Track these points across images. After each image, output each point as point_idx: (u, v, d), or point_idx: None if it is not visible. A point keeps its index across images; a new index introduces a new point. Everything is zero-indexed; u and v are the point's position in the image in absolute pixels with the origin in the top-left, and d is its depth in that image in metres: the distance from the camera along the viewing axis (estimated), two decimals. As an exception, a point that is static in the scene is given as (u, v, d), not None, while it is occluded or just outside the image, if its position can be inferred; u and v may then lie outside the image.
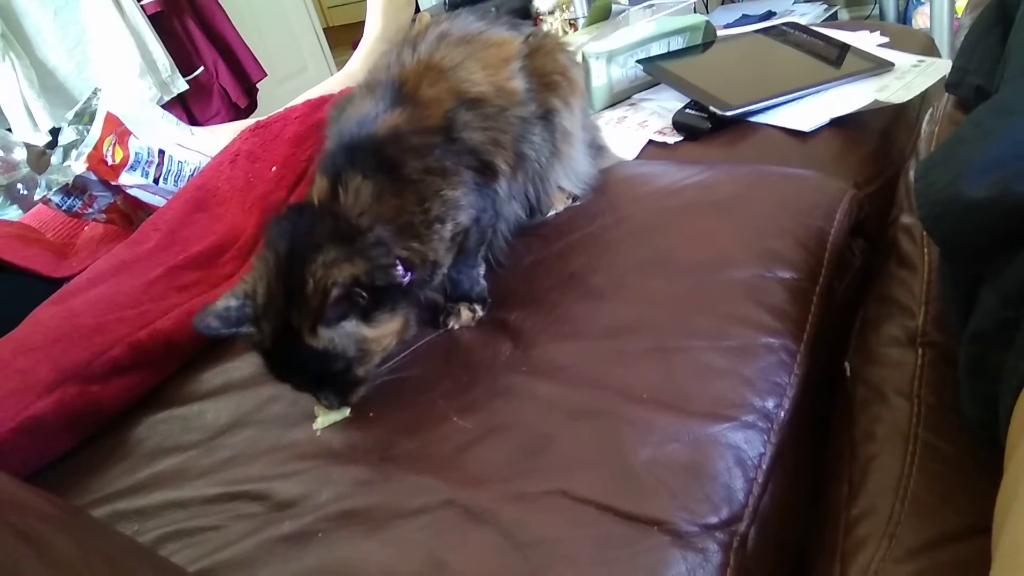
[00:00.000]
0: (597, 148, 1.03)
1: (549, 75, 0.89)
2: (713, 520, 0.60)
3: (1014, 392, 0.48)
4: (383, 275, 0.72)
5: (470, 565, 0.60)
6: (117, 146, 1.30)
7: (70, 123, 1.41)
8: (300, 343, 0.69)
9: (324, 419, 0.77)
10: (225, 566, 0.66)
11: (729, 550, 0.59)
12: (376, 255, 0.72)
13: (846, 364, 0.77)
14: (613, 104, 1.30)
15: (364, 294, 0.70)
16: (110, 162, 1.27)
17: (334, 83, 1.38)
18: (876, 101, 1.05)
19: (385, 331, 0.74)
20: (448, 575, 0.60)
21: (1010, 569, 0.35)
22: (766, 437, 0.66)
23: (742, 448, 0.64)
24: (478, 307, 0.84)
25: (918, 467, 0.62)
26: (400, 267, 0.74)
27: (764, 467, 0.65)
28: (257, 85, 2.90)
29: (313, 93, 1.34)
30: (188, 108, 2.77)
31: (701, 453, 0.64)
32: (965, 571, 0.52)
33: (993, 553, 0.42)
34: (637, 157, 1.13)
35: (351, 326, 0.71)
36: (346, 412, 0.77)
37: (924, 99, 1.11)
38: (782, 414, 0.68)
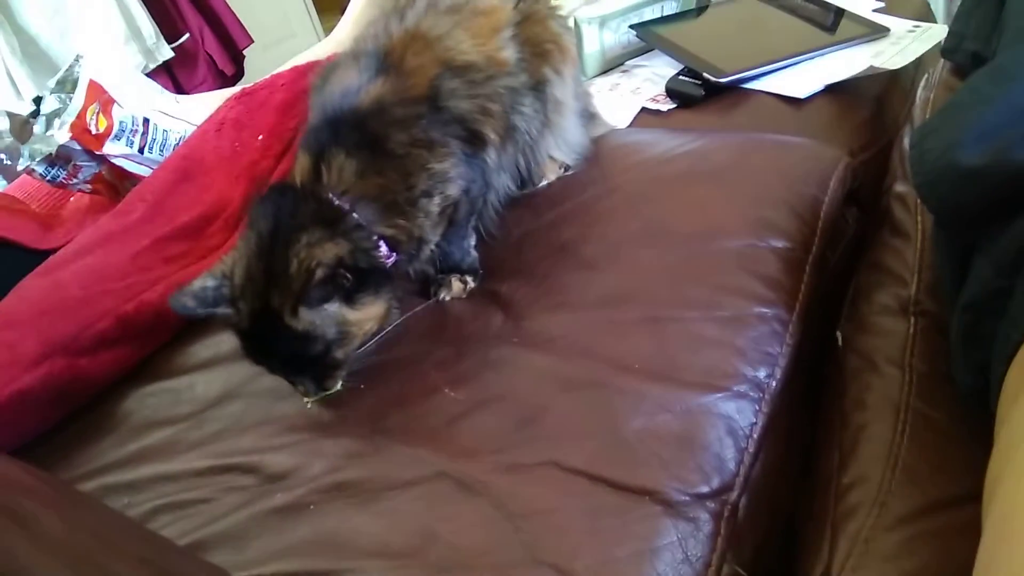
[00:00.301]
0: (589, 116, 1.01)
1: (541, 44, 0.87)
2: (704, 489, 0.61)
3: (1006, 361, 0.48)
4: (366, 257, 0.71)
5: (462, 536, 0.60)
6: (101, 115, 1.27)
7: (52, 91, 1.38)
8: (280, 324, 0.68)
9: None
10: (217, 539, 0.66)
11: (720, 519, 0.60)
12: (359, 237, 0.71)
13: (838, 333, 0.76)
14: (606, 71, 1.28)
15: (348, 276, 0.69)
16: (94, 131, 1.25)
17: (321, 50, 1.36)
18: (871, 67, 1.04)
19: (367, 314, 0.73)
20: (440, 546, 0.60)
21: (1001, 537, 0.35)
22: (758, 407, 0.66)
23: (733, 418, 0.65)
24: (469, 278, 0.84)
25: (909, 436, 0.62)
26: (384, 247, 0.73)
27: (755, 437, 0.65)
28: (244, 52, 2.85)
29: (300, 60, 1.32)
30: (174, 76, 2.72)
31: (693, 423, 0.64)
32: (955, 539, 0.53)
33: (984, 522, 0.42)
34: (630, 125, 1.11)
35: (333, 308, 0.70)
36: (337, 386, 0.76)
37: (919, 65, 1.10)
38: (774, 384, 0.68)
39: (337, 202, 0.71)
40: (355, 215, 0.71)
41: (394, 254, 0.75)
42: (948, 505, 0.56)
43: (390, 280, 0.74)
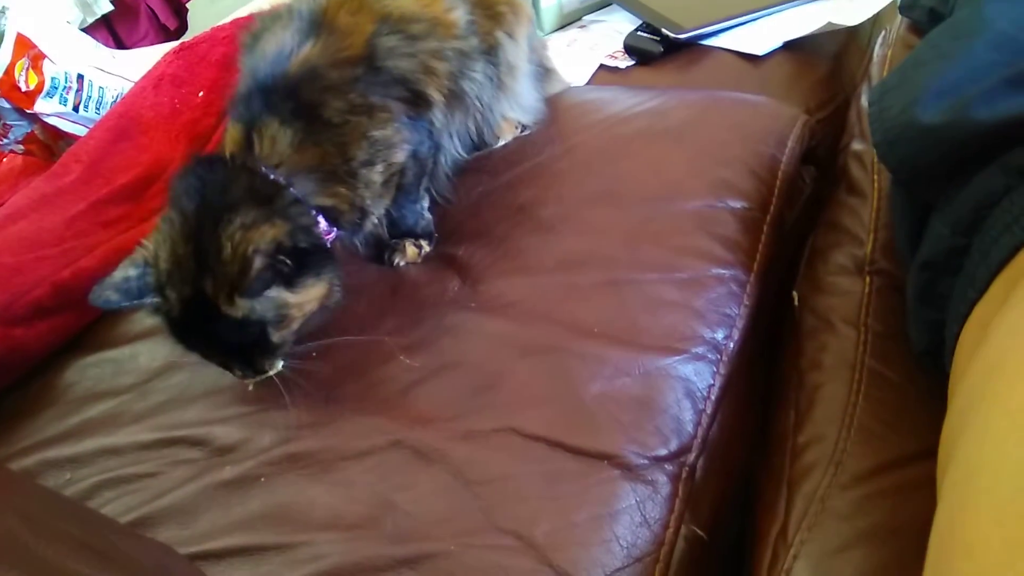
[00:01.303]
0: (545, 71, 0.98)
1: (493, 6, 0.83)
2: (663, 452, 0.60)
3: (961, 319, 0.48)
4: (306, 236, 0.67)
5: (420, 505, 0.59)
6: (31, 70, 1.20)
7: (-23, 45, 1.30)
8: (214, 312, 0.63)
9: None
10: (164, 514, 0.64)
11: (678, 481, 0.60)
12: (297, 213, 0.67)
13: (794, 293, 0.76)
14: (563, 26, 1.25)
15: (288, 261, 0.65)
16: (24, 88, 1.18)
17: (266, 1, 1.30)
18: (829, 23, 1.03)
19: (308, 296, 0.68)
20: (397, 516, 0.59)
21: (962, 500, 0.35)
22: (715, 368, 0.66)
23: (692, 380, 0.64)
24: (424, 242, 0.81)
25: (864, 395, 0.62)
26: (323, 222, 0.69)
27: (713, 398, 0.65)
28: (187, 5, 2.72)
29: (242, 12, 1.26)
30: (114, 30, 2.60)
31: (651, 386, 0.63)
32: (911, 495, 0.54)
33: (940, 483, 0.42)
34: (588, 82, 1.09)
35: (273, 293, 0.65)
36: (277, 367, 0.71)
37: (876, 22, 1.09)
38: (731, 345, 0.68)
39: (272, 176, 0.67)
40: (292, 190, 0.67)
41: (334, 228, 0.71)
42: (903, 463, 0.56)
43: (331, 258, 0.70)
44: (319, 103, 0.69)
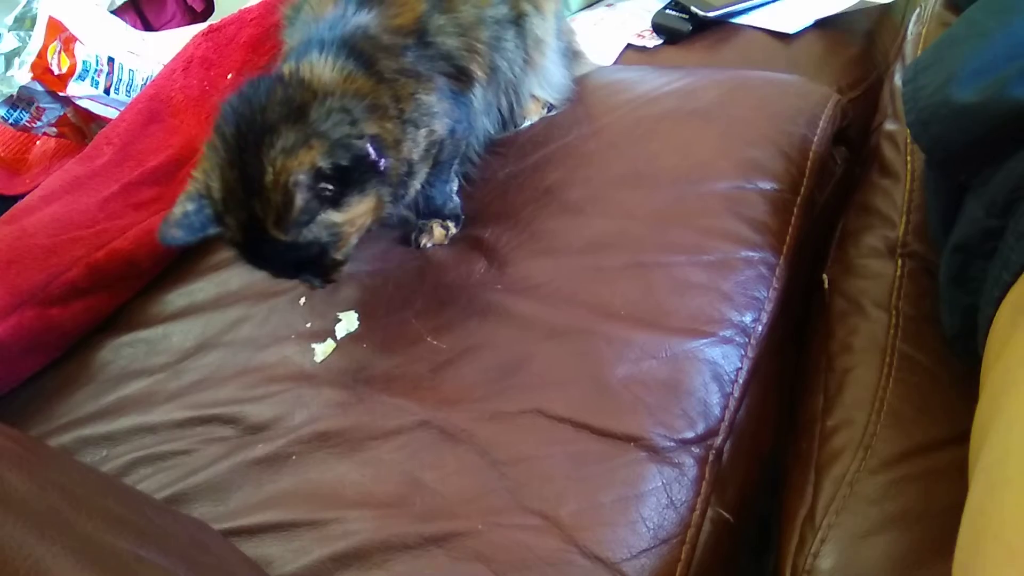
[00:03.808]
0: (573, 54, 0.98)
1: None
2: (689, 435, 0.60)
3: (995, 303, 0.48)
4: (345, 152, 0.65)
5: (447, 484, 0.60)
6: (63, 54, 1.22)
7: (10, 29, 1.32)
8: (269, 235, 0.65)
9: (324, 348, 0.74)
10: (197, 491, 0.65)
11: (705, 464, 0.60)
12: (333, 125, 0.65)
13: (824, 276, 0.76)
14: (590, 4, 1.24)
15: (330, 187, 0.65)
16: (56, 71, 1.19)
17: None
18: (862, 1, 1.01)
19: (357, 212, 0.68)
20: (425, 494, 0.60)
21: (993, 485, 0.35)
22: (743, 352, 0.65)
23: (719, 363, 0.64)
24: (451, 224, 0.81)
25: (895, 379, 0.62)
26: (371, 148, 0.67)
27: (740, 382, 0.64)
28: (214, -14, 2.73)
29: (270, -6, 1.26)
30: (142, 13, 2.61)
31: (678, 369, 0.63)
32: (940, 480, 0.53)
33: (972, 468, 0.42)
34: (615, 62, 1.08)
35: (320, 217, 0.65)
36: (354, 322, 0.75)
37: (911, -1, 1.07)
38: (760, 328, 0.67)
39: (314, 87, 0.66)
40: (331, 100, 0.66)
41: (382, 158, 0.69)
42: (933, 448, 0.56)
43: (375, 170, 0.68)
44: (373, 58, 0.70)
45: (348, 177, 0.66)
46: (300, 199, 0.62)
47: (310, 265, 0.69)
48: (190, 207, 0.66)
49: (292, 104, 0.65)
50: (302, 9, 0.76)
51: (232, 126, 0.65)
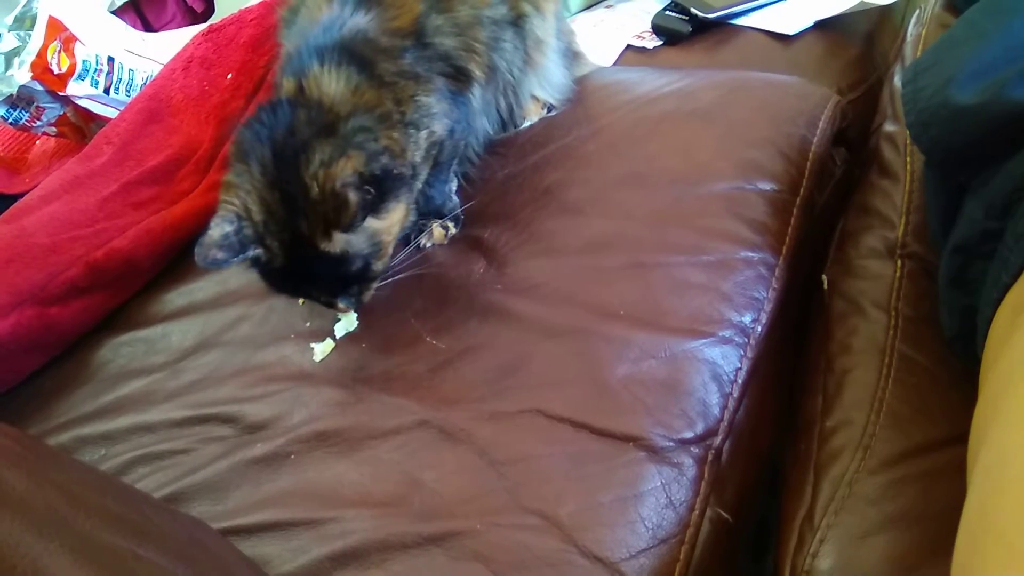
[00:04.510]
0: (573, 55, 0.98)
1: None
2: (688, 435, 0.60)
3: (994, 304, 0.48)
4: (377, 163, 0.67)
5: (446, 483, 0.60)
6: (62, 53, 1.22)
7: (10, 28, 1.32)
8: (316, 251, 0.65)
9: (323, 347, 0.74)
10: (196, 490, 0.65)
11: (704, 464, 0.60)
12: (363, 141, 0.67)
13: (824, 276, 0.76)
14: (590, 6, 1.24)
15: (371, 189, 0.66)
16: (56, 71, 1.19)
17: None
18: (862, 2, 1.01)
19: (393, 220, 0.70)
20: (424, 494, 0.60)
21: (993, 486, 0.35)
22: (743, 352, 0.65)
23: (718, 364, 0.64)
24: (451, 224, 0.81)
25: (894, 379, 0.62)
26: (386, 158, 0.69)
27: (740, 382, 0.64)
28: (214, -13, 2.73)
29: (270, -6, 1.26)
30: (142, 13, 2.61)
31: (677, 369, 0.63)
32: (939, 481, 0.53)
33: (970, 469, 0.41)
34: (615, 63, 1.08)
35: (365, 223, 0.67)
36: (353, 322, 0.75)
37: (910, 1, 1.07)
38: (759, 329, 0.67)
39: (334, 108, 0.67)
40: (354, 119, 0.67)
41: (394, 167, 0.70)
42: (932, 449, 0.56)
43: (403, 179, 0.70)
44: (372, 61, 0.70)
45: (383, 185, 0.67)
46: (354, 198, 0.63)
47: (351, 283, 0.69)
48: (229, 228, 0.65)
49: (318, 124, 0.66)
50: (299, 12, 0.76)
51: (266, 149, 0.66)
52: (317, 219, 0.64)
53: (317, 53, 0.70)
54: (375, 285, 0.72)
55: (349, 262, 0.67)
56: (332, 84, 0.68)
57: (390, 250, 0.71)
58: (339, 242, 0.66)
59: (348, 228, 0.65)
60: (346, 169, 0.64)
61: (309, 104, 0.67)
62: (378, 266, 0.70)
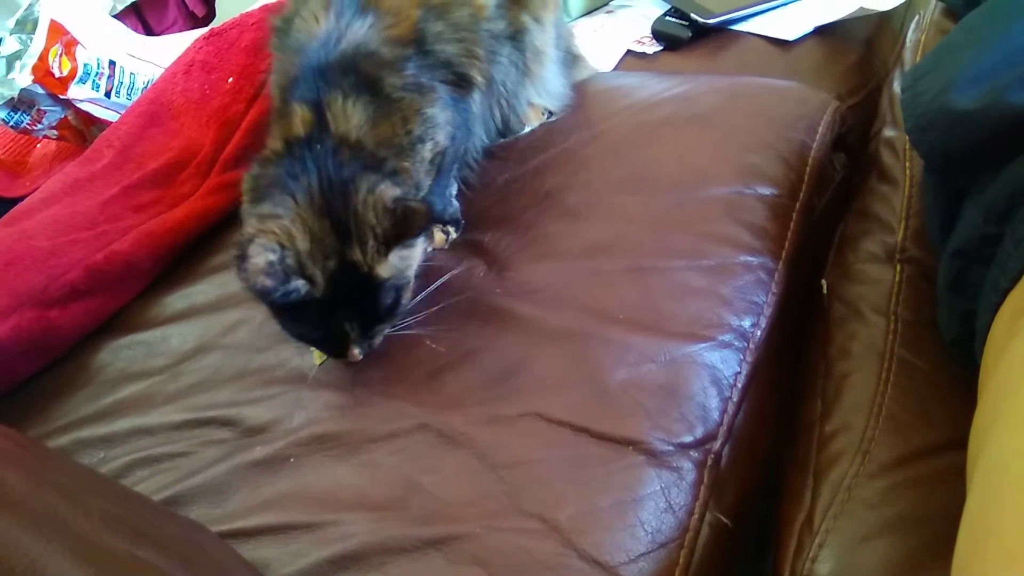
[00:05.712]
0: (572, 58, 0.98)
1: None
2: (688, 439, 0.60)
3: (993, 309, 0.48)
4: (407, 193, 0.69)
5: (445, 487, 0.60)
6: (64, 57, 1.22)
7: (12, 32, 1.32)
8: (365, 278, 0.66)
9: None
10: (195, 493, 0.65)
11: (704, 468, 0.60)
12: (400, 181, 0.69)
13: (823, 281, 0.76)
14: (590, 11, 1.24)
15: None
16: (57, 74, 1.19)
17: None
18: (862, 8, 1.01)
19: (418, 252, 0.71)
20: (423, 497, 0.60)
21: (993, 491, 0.35)
22: (742, 356, 0.65)
23: (718, 368, 0.64)
24: (451, 229, 0.81)
25: (893, 384, 0.62)
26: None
27: (739, 386, 0.64)
28: (215, -8, 2.74)
29: (271, -2, 1.26)
30: (143, 17, 2.62)
31: (677, 373, 0.63)
32: (938, 485, 0.53)
33: (970, 474, 0.41)
34: (615, 68, 1.08)
35: (403, 251, 0.68)
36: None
37: (910, 7, 1.07)
38: (759, 333, 0.67)
39: (371, 149, 0.69)
40: (389, 161, 0.69)
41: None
42: (931, 453, 0.56)
43: (426, 216, 0.71)
44: (378, 78, 0.70)
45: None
46: (406, 212, 0.65)
47: (383, 316, 0.69)
48: (272, 257, 0.64)
49: (362, 161, 0.68)
50: (293, 22, 0.75)
51: (312, 179, 0.67)
52: (369, 242, 0.65)
53: (322, 75, 0.69)
54: (392, 324, 0.71)
55: (386, 292, 0.68)
56: (354, 119, 0.69)
57: (412, 284, 0.72)
58: (390, 267, 0.67)
59: (404, 242, 0.66)
60: (389, 193, 0.67)
61: (343, 140, 0.68)
62: (404, 299, 0.70)
